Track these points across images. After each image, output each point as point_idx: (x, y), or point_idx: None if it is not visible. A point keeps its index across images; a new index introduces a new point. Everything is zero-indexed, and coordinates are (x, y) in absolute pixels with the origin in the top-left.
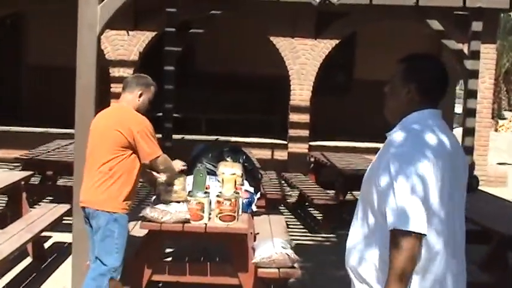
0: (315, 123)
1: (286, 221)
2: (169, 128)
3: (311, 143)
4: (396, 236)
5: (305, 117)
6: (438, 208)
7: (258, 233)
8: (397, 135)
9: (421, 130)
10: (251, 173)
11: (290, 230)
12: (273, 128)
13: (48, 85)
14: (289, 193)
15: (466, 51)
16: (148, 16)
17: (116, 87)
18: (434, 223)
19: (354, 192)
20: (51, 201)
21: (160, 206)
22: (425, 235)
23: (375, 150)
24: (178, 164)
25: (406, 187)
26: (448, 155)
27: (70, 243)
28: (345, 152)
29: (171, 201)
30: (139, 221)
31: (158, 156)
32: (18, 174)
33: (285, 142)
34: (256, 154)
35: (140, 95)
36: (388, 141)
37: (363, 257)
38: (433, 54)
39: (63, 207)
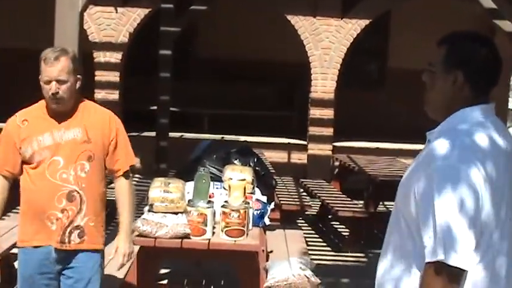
0: (341, 120)
1: (305, 237)
2: (164, 124)
3: (335, 144)
4: (433, 269)
5: (329, 113)
6: (495, 234)
7: (271, 251)
8: (440, 142)
9: (470, 132)
10: (263, 179)
11: (310, 247)
12: (290, 126)
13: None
14: (309, 203)
15: None
16: None
17: (101, 76)
18: (489, 252)
19: (386, 203)
20: None
21: (155, 218)
22: (466, 272)
23: (412, 153)
24: None
25: (451, 211)
26: (507, 161)
27: None
28: (376, 154)
29: (167, 212)
30: None
31: None
32: None
33: (305, 142)
34: (270, 157)
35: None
36: (430, 149)
37: (398, 287)
38: (480, 33)
39: None
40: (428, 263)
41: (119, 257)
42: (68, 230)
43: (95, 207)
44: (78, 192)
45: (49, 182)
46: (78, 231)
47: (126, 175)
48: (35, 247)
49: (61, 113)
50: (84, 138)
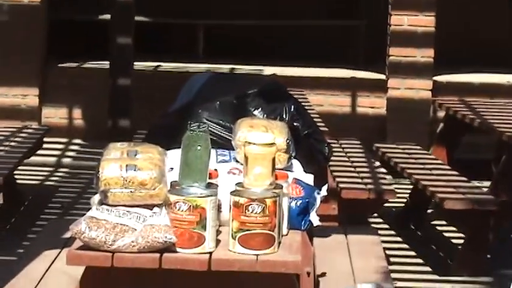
0: (448, 34)
1: (385, 248)
2: (126, 47)
3: (438, 79)
4: None
5: (425, 21)
6: None
7: (323, 274)
8: None
9: None
10: (308, 145)
11: (394, 266)
12: (355, 47)
13: None
14: (390, 187)
15: None
16: None
17: None
18: None
19: None
20: None
21: (112, 217)
22: None
23: None
24: None
25: None
26: None
27: None
28: None
29: (134, 206)
30: (64, 250)
31: None
32: None
33: (382, 76)
34: (319, 102)
35: None
36: None
37: None
38: None
39: None
40: None
41: None
42: None
43: None
44: None
45: None
46: None
47: None
48: None
49: None
50: None
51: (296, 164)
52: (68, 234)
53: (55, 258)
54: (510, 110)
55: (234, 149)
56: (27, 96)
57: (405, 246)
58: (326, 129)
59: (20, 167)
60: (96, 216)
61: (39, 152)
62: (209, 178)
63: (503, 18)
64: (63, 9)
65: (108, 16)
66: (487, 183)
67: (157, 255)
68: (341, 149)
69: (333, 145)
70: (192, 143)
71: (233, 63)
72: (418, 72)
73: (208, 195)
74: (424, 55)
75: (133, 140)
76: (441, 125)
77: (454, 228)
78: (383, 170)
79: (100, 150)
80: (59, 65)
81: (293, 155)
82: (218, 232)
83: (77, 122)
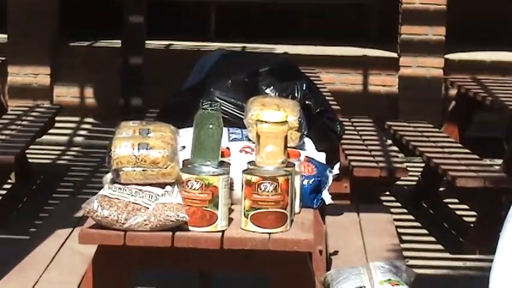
0: (461, 11)
1: (397, 226)
2: (138, 26)
3: (450, 56)
4: None
5: (436, 0)
6: None
7: (335, 252)
8: None
9: None
10: (320, 123)
11: (406, 244)
12: (366, 25)
13: None
14: (402, 166)
15: None
16: None
17: None
18: None
19: None
20: None
21: (124, 195)
22: None
23: None
24: None
25: None
26: None
27: None
28: None
29: (146, 184)
30: (76, 228)
31: None
32: None
33: (394, 55)
34: (331, 80)
35: None
36: None
37: None
38: None
39: None
40: None
41: None
42: None
43: None
44: None
45: None
46: None
47: None
48: None
49: None
50: None
51: (308, 142)
52: (80, 213)
53: (67, 237)
54: None
55: (246, 128)
56: (38, 75)
57: (417, 224)
58: (338, 107)
59: (32, 146)
60: (108, 195)
61: (51, 131)
62: (221, 156)
63: None
64: None
65: None
66: (499, 161)
67: (170, 233)
68: (353, 127)
69: (345, 123)
70: (204, 121)
71: (245, 42)
72: (430, 50)
73: (221, 174)
74: (436, 33)
75: (145, 118)
76: (453, 103)
77: (466, 206)
78: (395, 148)
79: (112, 129)
80: (71, 44)
81: (305, 133)
82: (230, 210)
83: (88, 100)
